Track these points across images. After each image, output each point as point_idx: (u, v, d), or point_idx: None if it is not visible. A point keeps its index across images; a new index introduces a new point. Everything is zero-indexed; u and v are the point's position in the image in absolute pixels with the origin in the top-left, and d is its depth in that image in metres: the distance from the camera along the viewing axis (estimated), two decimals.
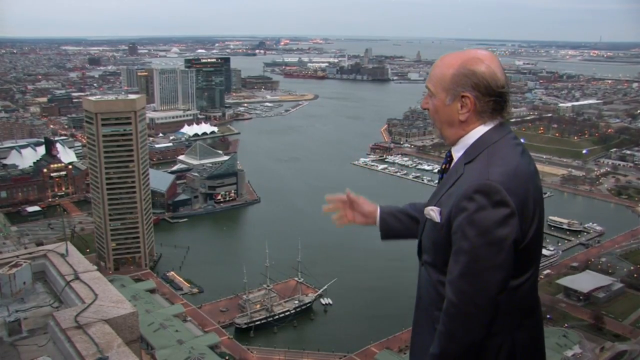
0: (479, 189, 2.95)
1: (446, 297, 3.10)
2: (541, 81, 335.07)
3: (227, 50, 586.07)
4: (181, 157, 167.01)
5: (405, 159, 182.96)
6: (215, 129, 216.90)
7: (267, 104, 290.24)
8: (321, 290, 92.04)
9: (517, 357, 3.21)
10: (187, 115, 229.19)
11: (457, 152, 3.31)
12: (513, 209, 2.93)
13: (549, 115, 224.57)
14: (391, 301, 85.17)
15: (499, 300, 3.00)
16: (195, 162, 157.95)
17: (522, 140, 3.37)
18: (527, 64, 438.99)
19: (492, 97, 3.17)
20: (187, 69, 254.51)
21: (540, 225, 3.14)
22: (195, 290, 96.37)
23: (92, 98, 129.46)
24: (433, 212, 3.25)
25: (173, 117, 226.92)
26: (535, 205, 3.08)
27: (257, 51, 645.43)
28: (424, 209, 3.40)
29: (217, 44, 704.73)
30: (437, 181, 3.53)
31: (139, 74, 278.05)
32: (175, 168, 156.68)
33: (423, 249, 3.46)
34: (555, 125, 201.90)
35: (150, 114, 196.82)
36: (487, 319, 3.02)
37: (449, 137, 3.36)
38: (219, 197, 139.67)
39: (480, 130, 3.24)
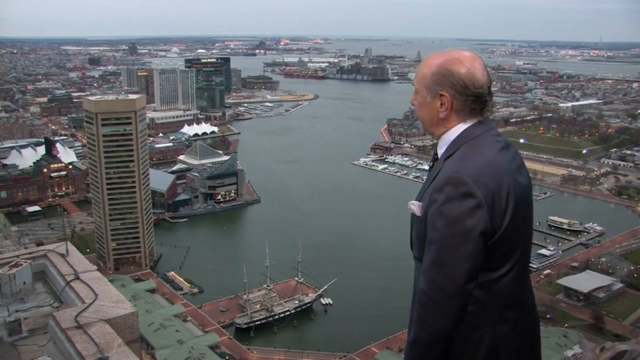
0: (447, 180, 3.08)
1: (419, 286, 3.19)
2: (541, 81, 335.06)
3: (227, 50, 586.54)
4: (181, 157, 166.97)
5: (405, 158, 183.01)
6: (215, 129, 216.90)
7: (267, 104, 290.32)
8: (321, 290, 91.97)
9: (500, 350, 3.26)
10: (187, 115, 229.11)
11: (440, 149, 3.43)
12: (480, 201, 3.01)
13: (549, 115, 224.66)
14: (391, 301, 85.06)
15: (468, 289, 3.07)
16: (195, 162, 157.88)
17: (506, 138, 3.43)
18: (527, 64, 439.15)
19: (469, 97, 3.28)
20: (187, 69, 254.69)
21: (520, 220, 3.20)
22: (195, 290, 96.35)
23: (92, 98, 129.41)
24: (414, 206, 3.35)
25: (173, 117, 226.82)
26: (510, 199, 3.13)
27: (257, 51, 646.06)
28: None
29: (217, 44, 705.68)
30: None
31: (139, 74, 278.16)
32: (175, 168, 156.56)
33: (412, 244, 3.55)
34: (555, 125, 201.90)
35: (150, 114, 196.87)
36: (456, 307, 3.08)
37: (433, 134, 3.51)
38: (219, 197, 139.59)
39: (460, 127, 3.36)
